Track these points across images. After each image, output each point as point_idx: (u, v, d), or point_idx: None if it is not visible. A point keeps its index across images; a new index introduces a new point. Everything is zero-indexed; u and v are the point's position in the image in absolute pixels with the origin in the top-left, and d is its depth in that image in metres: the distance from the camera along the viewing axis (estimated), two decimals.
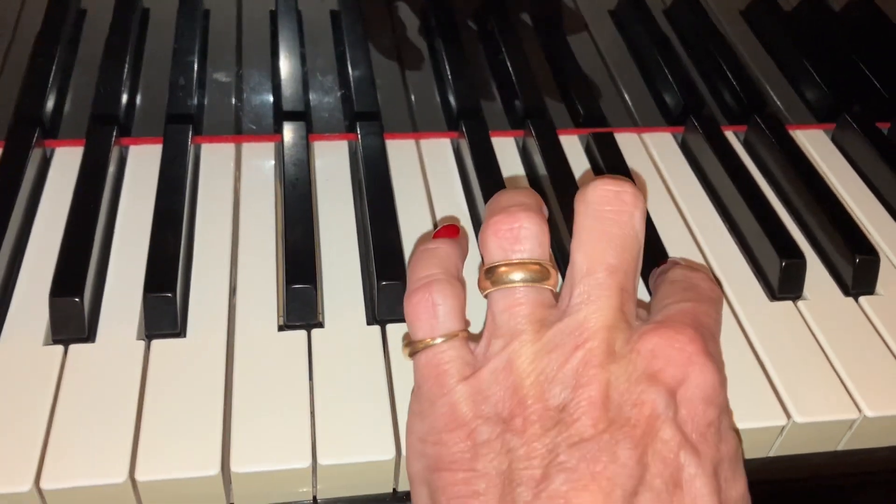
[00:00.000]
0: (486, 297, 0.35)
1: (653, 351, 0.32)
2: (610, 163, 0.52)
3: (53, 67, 0.53)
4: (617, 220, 0.34)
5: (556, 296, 0.35)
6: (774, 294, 0.45)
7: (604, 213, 0.34)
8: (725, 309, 0.44)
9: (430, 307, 0.34)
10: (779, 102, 0.61)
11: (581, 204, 0.34)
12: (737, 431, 0.35)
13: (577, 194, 0.35)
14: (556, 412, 0.31)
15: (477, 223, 0.48)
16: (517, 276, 0.33)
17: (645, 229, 0.35)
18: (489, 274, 0.34)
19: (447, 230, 0.39)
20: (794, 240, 0.46)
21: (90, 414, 0.36)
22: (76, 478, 0.34)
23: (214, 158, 0.51)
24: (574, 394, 0.31)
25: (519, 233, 0.34)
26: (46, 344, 0.39)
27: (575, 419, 0.30)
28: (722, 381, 0.32)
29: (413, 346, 0.34)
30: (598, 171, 0.52)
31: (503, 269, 0.34)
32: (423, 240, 0.38)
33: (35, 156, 0.48)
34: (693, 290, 0.36)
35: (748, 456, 0.40)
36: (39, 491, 0.34)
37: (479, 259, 0.37)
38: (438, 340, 0.33)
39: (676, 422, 0.31)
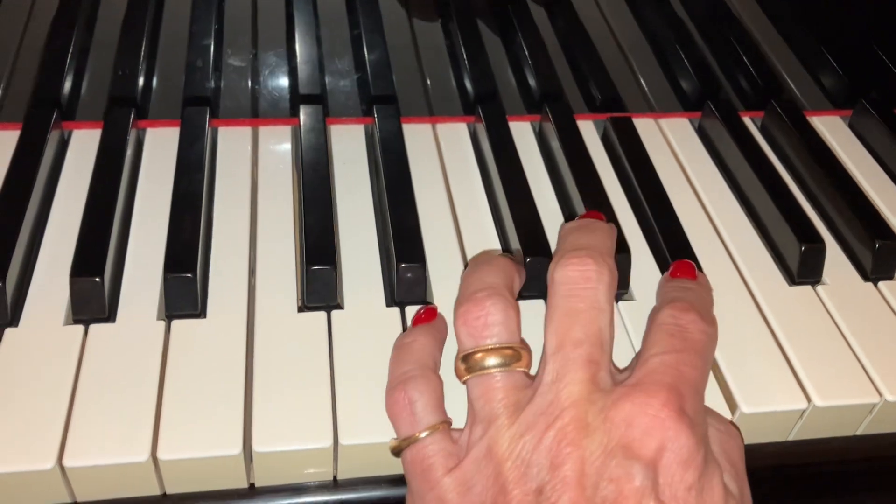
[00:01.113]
0: (464, 384, 0.36)
1: (626, 420, 0.32)
2: (628, 148, 0.52)
3: (70, 49, 0.53)
4: (581, 296, 0.35)
5: (531, 376, 0.35)
6: (794, 279, 0.45)
7: (568, 291, 0.35)
8: (745, 293, 0.44)
9: (407, 405, 0.35)
10: (795, 88, 0.60)
11: (549, 285, 0.36)
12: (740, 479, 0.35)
13: (549, 272, 0.37)
14: (535, 496, 0.31)
15: (495, 207, 0.48)
16: (490, 361, 0.34)
17: (613, 299, 0.36)
18: (464, 361, 0.35)
19: (425, 316, 0.39)
20: (814, 224, 0.46)
21: (112, 393, 0.36)
22: (98, 456, 0.34)
23: (231, 141, 0.51)
24: (550, 475, 0.31)
25: (487, 320, 0.35)
26: (67, 324, 0.39)
27: (552, 502, 0.31)
28: (699, 441, 0.32)
29: (398, 445, 0.35)
30: (615, 158, 0.52)
31: (477, 355, 0.35)
32: (402, 336, 0.39)
33: (53, 138, 0.48)
34: (678, 337, 0.35)
35: (767, 440, 0.40)
36: (62, 469, 0.34)
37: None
38: (422, 435, 0.34)
39: (655, 492, 0.31)
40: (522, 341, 0.36)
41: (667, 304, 0.37)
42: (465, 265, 0.44)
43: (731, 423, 0.38)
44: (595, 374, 0.33)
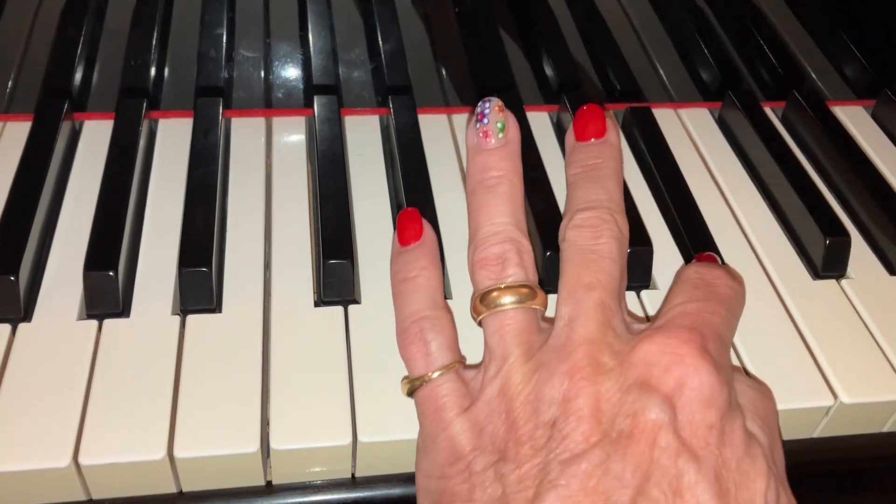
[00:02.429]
0: (479, 324, 0.35)
1: (644, 359, 0.31)
2: (648, 139, 0.51)
3: (81, 40, 0.52)
4: (592, 247, 0.35)
5: (547, 319, 0.35)
6: (818, 272, 0.44)
7: (580, 246, 0.35)
8: (769, 287, 0.43)
9: (422, 346, 0.34)
10: (816, 78, 0.59)
11: (561, 242, 0.36)
12: (768, 426, 0.33)
13: (560, 229, 0.37)
14: (547, 429, 0.30)
15: None
16: (505, 299, 0.34)
17: (625, 251, 0.36)
18: (481, 301, 0.35)
19: (413, 231, 0.38)
20: (839, 217, 0.45)
21: (127, 389, 0.36)
22: (114, 454, 0.34)
23: (245, 132, 0.50)
24: (563, 408, 0.30)
25: (504, 264, 0.35)
26: (81, 319, 0.39)
27: (565, 435, 0.30)
28: (722, 380, 0.31)
29: (411, 385, 0.34)
30: (634, 148, 0.51)
31: (493, 293, 0.34)
32: (396, 257, 0.38)
33: (64, 129, 0.48)
34: (703, 289, 0.34)
35: (792, 437, 0.39)
36: (78, 466, 0.33)
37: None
38: (435, 375, 0.34)
39: (674, 427, 0.30)
40: (538, 282, 0.36)
41: (693, 265, 0.36)
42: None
43: (764, 383, 0.36)
44: (609, 318, 0.33)
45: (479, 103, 0.39)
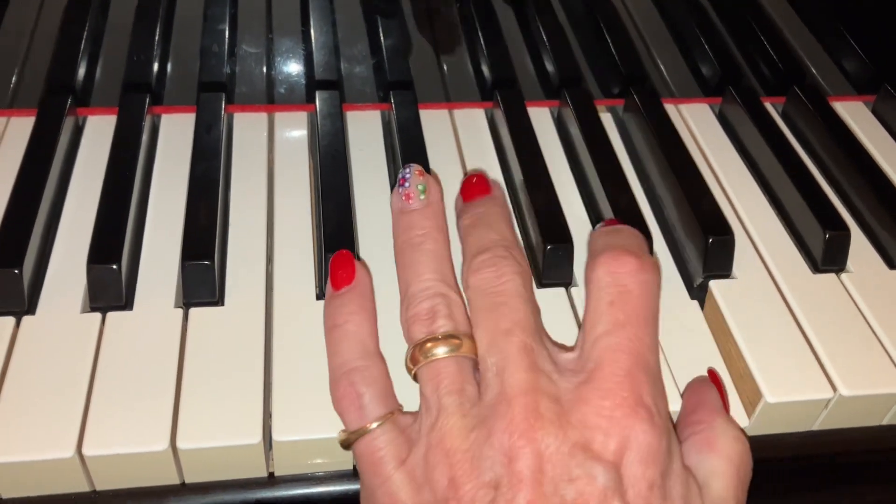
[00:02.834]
0: (414, 377, 0.35)
1: (583, 421, 0.31)
2: (657, 125, 0.51)
3: (84, 35, 0.52)
4: (499, 290, 0.35)
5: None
6: (817, 266, 0.44)
7: (485, 290, 0.35)
8: (768, 281, 0.43)
9: (355, 399, 0.34)
10: (816, 73, 0.60)
11: (465, 290, 0.36)
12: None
13: (462, 279, 0.36)
14: (489, 490, 0.30)
15: (514, 194, 0.47)
16: (438, 350, 0.34)
17: (531, 284, 0.36)
18: (416, 351, 0.35)
19: (344, 274, 0.38)
20: (838, 212, 0.45)
21: (130, 381, 0.36)
22: (117, 445, 0.34)
23: (247, 127, 0.50)
24: (506, 470, 0.30)
25: (433, 317, 0.35)
26: (84, 311, 0.39)
27: (509, 500, 0.29)
28: (659, 434, 0.31)
29: (347, 437, 0.34)
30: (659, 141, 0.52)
31: (427, 345, 0.34)
32: (329, 303, 0.37)
33: (67, 124, 0.48)
34: (620, 302, 0.34)
35: (791, 430, 0.40)
36: (82, 457, 0.34)
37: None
38: (371, 426, 0.33)
39: (620, 492, 0.30)
40: (469, 332, 0.35)
41: (600, 253, 0.35)
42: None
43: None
44: (535, 360, 0.33)
45: (401, 169, 0.41)
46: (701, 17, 0.60)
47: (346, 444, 0.34)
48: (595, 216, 0.46)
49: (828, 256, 0.44)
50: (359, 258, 0.39)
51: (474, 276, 0.36)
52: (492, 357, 0.33)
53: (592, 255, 0.36)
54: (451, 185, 0.47)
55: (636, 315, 0.34)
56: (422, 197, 0.39)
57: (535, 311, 0.35)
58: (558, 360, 0.34)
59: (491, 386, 0.32)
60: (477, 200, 0.40)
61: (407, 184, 0.40)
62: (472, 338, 0.35)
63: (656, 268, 0.35)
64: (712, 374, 0.39)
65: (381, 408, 0.34)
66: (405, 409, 0.35)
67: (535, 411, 0.31)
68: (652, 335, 0.34)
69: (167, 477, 0.35)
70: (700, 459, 0.34)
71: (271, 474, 0.36)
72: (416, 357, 0.34)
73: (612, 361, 0.32)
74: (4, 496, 0.35)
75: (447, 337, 0.34)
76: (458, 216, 0.40)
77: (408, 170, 0.40)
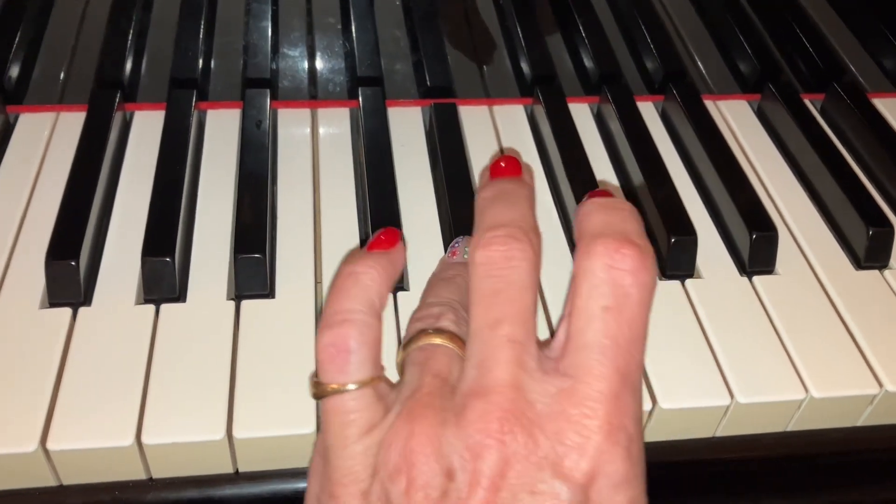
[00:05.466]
0: (401, 362, 0.34)
1: (558, 434, 0.28)
2: (699, 123, 0.51)
3: (131, 32, 0.53)
4: (502, 275, 0.31)
5: None
6: (860, 263, 0.45)
7: (488, 271, 0.32)
8: (811, 278, 0.43)
9: (342, 352, 0.32)
10: (855, 70, 0.59)
11: (469, 266, 0.32)
12: None
13: (469, 249, 0.33)
14: (444, 480, 0.28)
15: (555, 188, 0.48)
16: (436, 340, 0.32)
17: (537, 273, 0.32)
18: (410, 341, 0.33)
19: (385, 239, 0.36)
20: (881, 208, 0.46)
21: (185, 372, 0.37)
22: (175, 433, 0.35)
23: (291, 123, 0.51)
24: (467, 465, 0.28)
25: (441, 315, 0.34)
26: (138, 304, 0.40)
27: (462, 498, 0.28)
28: (633, 463, 0.29)
29: (320, 389, 0.32)
30: (675, 139, 0.52)
31: (425, 335, 0.33)
32: (354, 253, 0.35)
33: (116, 119, 0.49)
34: (615, 310, 0.30)
35: (835, 425, 0.40)
36: (140, 445, 0.34)
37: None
38: (350, 387, 0.31)
39: None
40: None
41: (596, 238, 0.31)
42: None
43: None
44: (519, 356, 0.30)
45: (453, 242, 0.40)
46: (739, 13, 0.60)
47: (318, 395, 0.32)
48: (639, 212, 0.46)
49: (871, 253, 0.44)
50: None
51: (481, 251, 0.32)
52: (475, 345, 0.31)
53: (586, 238, 0.31)
54: None
55: (631, 327, 0.30)
56: (465, 256, 0.38)
57: (534, 303, 0.32)
58: (542, 359, 0.31)
59: (470, 376, 0.30)
60: (504, 178, 0.36)
61: (457, 247, 0.39)
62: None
63: (655, 263, 0.31)
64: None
65: (366, 371, 0.32)
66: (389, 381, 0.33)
67: (509, 411, 0.29)
68: (643, 350, 0.31)
69: (223, 466, 0.36)
70: None
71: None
72: (411, 342, 0.33)
73: (600, 378, 0.29)
74: (65, 483, 0.35)
75: (445, 332, 0.33)
76: (480, 190, 0.36)
77: (458, 241, 0.40)
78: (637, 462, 0.29)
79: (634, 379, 0.30)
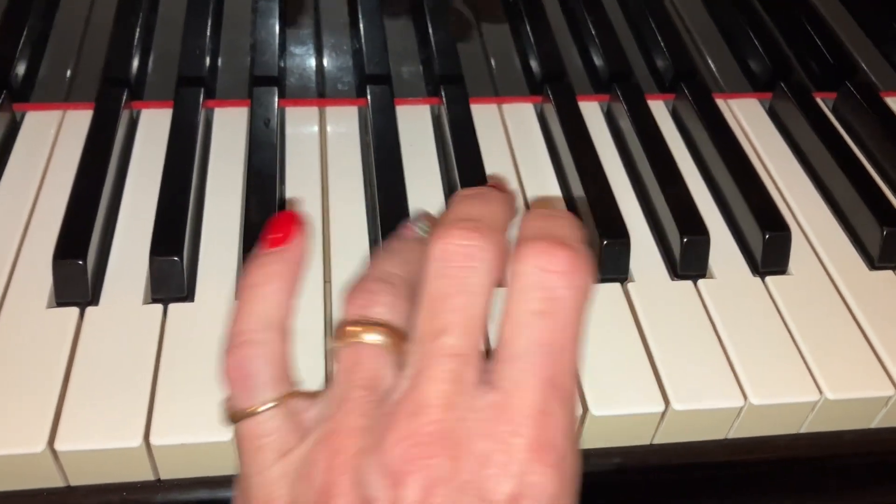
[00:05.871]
0: (330, 351, 0.32)
1: (484, 455, 0.27)
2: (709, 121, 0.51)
3: (137, 30, 0.53)
4: (456, 276, 0.29)
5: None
6: (874, 263, 0.44)
7: (442, 270, 0.30)
8: (825, 278, 0.43)
9: (245, 375, 0.30)
10: (867, 69, 0.59)
11: (426, 258, 0.30)
12: None
13: (429, 243, 0.30)
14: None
15: (566, 188, 0.48)
16: (366, 336, 0.30)
17: (495, 276, 0.30)
18: (340, 328, 0.31)
19: (281, 236, 0.33)
20: (895, 207, 0.45)
21: (194, 372, 0.36)
22: (184, 434, 0.34)
23: (299, 121, 0.50)
24: (387, 493, 0.27)
25: (377, 295, 0.32)
26: (146, 303, 0.40)
27: None
28: (564, 481, 0.27)
29: (232, 416, 0.31)
30: (687, 137, 0.51)
31: (357, 327, 0.31)
32: (253, 259, 0.33)
33: (123, 117, 0.48)
34: (548, 315, 0.29)
35: (849, 427, 0.39)
36: (149, 446, 0.34)
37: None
38: (261, 409, 0.30)
39: None
40: (405, 329, 0.31)
41: (528, 242, 0.29)
42: None
43: None
44: (459, 371, 0.28)
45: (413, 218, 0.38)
46: (750, 11, 0.60)
47: (229, 422, 0.31)
48: (648, 211, 0.46)
49: (885, 253, 0.44)
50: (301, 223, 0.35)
51: (441, 243, 0.30)
52: (415, 354, 0.29)
53: (520, 243, 0.30)
54: (505, 179, 0.47)
55: (563, 332, 0.29)
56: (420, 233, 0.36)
57: (487, 307, 0.30)
58: (484, 371, 0.29)
59: (402, 387, 0.28)
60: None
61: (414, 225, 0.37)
62: (405, 338, 0.30)
63: (591, 267, 0.30)
64: None
65: (273, 391, 0.30)
66: (304, 389, 0.32)
67: (434, 434, 0.27)
68: (576, 357, 0.29)
69: (232, 466, 0.35)
70: None
71: None
72: (340, 335, 0.31)
73: (529, 390, 0.28)
74: (73, 483, 0.35)
75: (380, 325, 0.31)
76: (461, 190, 0.34)
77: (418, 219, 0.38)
78: (567, 479, 0.28)
79: (566, 388, 0.28)
